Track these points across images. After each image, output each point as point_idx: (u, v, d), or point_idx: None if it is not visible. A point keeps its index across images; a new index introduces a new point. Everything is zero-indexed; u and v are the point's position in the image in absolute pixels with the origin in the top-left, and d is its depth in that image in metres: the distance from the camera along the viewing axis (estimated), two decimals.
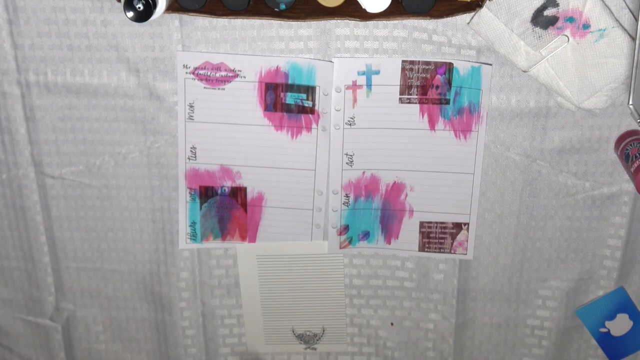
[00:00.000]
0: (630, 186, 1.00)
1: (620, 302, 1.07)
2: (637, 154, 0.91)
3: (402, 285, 1.09)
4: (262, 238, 1.06)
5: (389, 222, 1.04)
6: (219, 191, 1.03)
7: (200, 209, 1.04)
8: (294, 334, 1.13)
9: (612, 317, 1.08)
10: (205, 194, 1.03)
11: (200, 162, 1.01)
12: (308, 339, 1.14)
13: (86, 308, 1.12)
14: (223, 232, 1.06)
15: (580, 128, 0.97)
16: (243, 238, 1.06)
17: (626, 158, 0.93)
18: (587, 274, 1.06)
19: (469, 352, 1.14)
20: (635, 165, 0.91)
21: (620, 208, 1.02)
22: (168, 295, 1.11)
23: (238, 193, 1.03)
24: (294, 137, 1.00)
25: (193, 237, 1.06)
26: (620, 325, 1.09)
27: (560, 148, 0.98)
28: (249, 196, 1.03)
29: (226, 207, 1.04)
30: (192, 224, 1.05)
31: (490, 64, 0.94)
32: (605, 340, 1.10)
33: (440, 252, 1.05)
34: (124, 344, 1.15)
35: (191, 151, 1.01)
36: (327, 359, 1.16)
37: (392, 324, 1.13)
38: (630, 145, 0.93)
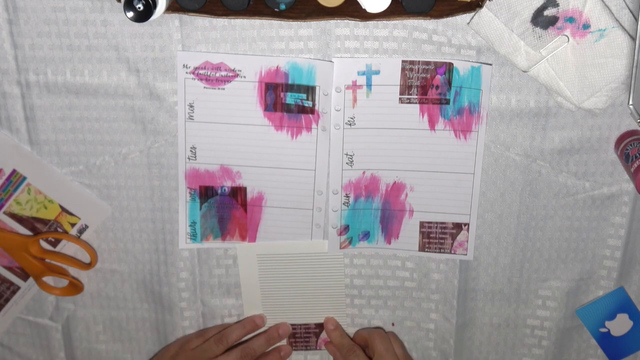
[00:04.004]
0: (630, 186, 1.00)
1: (620, 302, 1.07)
2: (637, 154, 0.91)
3: (403, 285, 1.09)
4: (262, 238, 1.06)
5: (389, 222, 1.04)
6: (219, 191, 1.03)
7: (200, 208, 1.04)
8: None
9: (612, 317, 1.08)
10: (205, 193, 1.03)
11: (200, 162, 1.01)
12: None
13: (86, 308, 1.12)
14: (223, 232, 1.06)
15: (580, 128, 0.97)
16: (243, 238, 1.06)
17: (626, 158, 0.93)
18: (587, 274, 1.06)
19: (469, 352, 1.14)
20: (635, 165, 0.91)
21: (620, 208, 1.02)
22: (168, 295, 1.11)
23: (238, 193, 1.03)
24: (294, 137, 1.00)
25: (193, 237, 1.06)
26: (620, 325, 1.09)
27: (560, 148, 0.98)
28: (249, 196, 1.03)
29: (226, 207, 1.04)
30: (192, 224, 1.05)
31: (490, 64, 0.94)
32: (605, 340, 1.10)
33: (440, 252, 1.05)
34: (124, 344, 1.15)
35: (191, 151, 1.01)
36: (327, 359, 1.16)
37: (393, 324, 1.13)
38: (630, 145, 0.93)
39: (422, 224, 1.04)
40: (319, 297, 1.10)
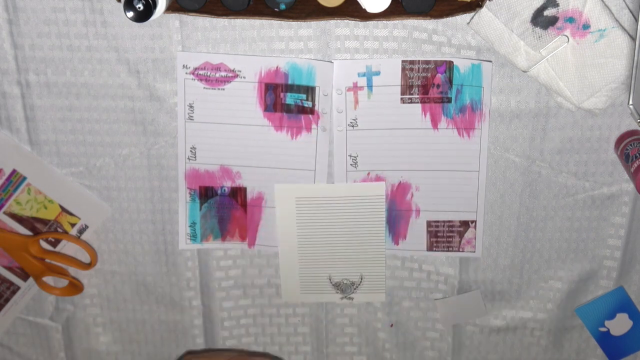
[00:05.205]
0: (630, 186, 1.00)
1: (620, 302, 1.07)
2: (637, 154, 0.92)
3: (402, 285, 1.09)
4: (262, 238, 1.06)
5: (396, 222, 1.04)
6: (219, 191, 1.03)
7: (200, 209, 1.04)
8: (331, 283, 1.11)
9: (611, 316, 1.08)
10: (205, 194, 1.03)
11: (200, 163, 1.01)
12: (345, 288, 1.11)
13: (86, 309, 1.12)
14: (223, 232, 1.06)
15: (580, 128, 0.97)
16: (243, 238, 1.06)
17: (626, 158, 0.93)
18: (587, 274, 1.07)
19: (468, 352, 1.14)
20: (635, 165, 0.91)
21: (620, 208, 1.02)
22: (169, 296, 1.11)
23: (238, 193, 1.03)
24: (294, 137, 1.00)
25: (193, 237, 1.06)
26: (620, 325, 1.09)
27: (560, 148, 0.98)
28: (249, 196, 1.03)
29: (226, 207, 1.04)
30: (192, 225, 1.05)
31: (491, 61, 0.94)
32: (605, 340, 1.10)
33: (448, 250, 1.05)
34: (124, 345, 1.15)
35: (191, 151, 1.01)
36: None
37: (392, 325, 1.12)
38: (630, 145, 0.93)
39: (429, 223, 1.04)
40: (357, 243, 1.07)
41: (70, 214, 1.05)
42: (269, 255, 1.08)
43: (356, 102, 0.97)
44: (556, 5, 0.86)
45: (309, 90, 0.97)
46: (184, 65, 0.96)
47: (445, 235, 1.04)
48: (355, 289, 1.10)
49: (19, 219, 1.05)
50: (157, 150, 1.02)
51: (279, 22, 0.93)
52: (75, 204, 1.05)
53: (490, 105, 0.96)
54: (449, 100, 0.96)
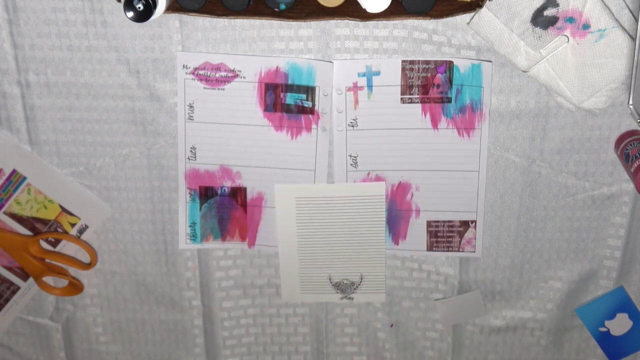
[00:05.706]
0: (630, 186, 1.00)
1: (620, 302, 1.07)
2: (637, 154, 0.92)
3: (402, 285, 1.09)
4: (262, 238, 1.06)
5: (396, 222, 1.04)
6: (219, 191, 1.03)
7: (200, 209, 1.04)
8: (331, 283, 1.12)
9: (611, 316, 1.08)
10: (205, 194, 1.03)
11: (200, 163, 1.01)
12: (345, 288, 1.12)
13: (86, 309, 1.12)
14: (223, 232, 1.06)
15: (580, 128, 0.97)
16: (243, 238, 1.06)
17: (626, 158, 0.93)
18: (587, 274, 1.07)
19: (468, 352, 1.14)
20: (635, 165, 0.91)
21: (620, 208, 1.02)
22: (169, 296, 1.11)
23: (238, 193, 1.03)
24: (294, 137, 1.00)
25: (193, 237, 1.06)
26: (620, 325, 1.09)
27: (560, 148, 0.98)
28: (249, 196, 1.03)
29: (226, 207, 1.04)
30: (192, 225, 1.05)
31: (491, 61, 0.94)
32: (605, 340, 1.10)
33: (448, 250, 1.05)
34: (124, 345, 1.15)
35: (191, 151, 1.01)
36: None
37: (392, 325, 1.12)
38: (630, 145, 0.93)
39: (429, 223, 1.04)
40: (357, 243, 1.07)
41: (70, 214, 1.05)
42: (269, 255, 1.08)
43: (356, 102, 0.97)
44: (556, 5, 0.86)
45: (309, 90, 0.97)
46: (184, 65, 0.96)
47: (445, 235, 1.04)
48: (355, 289, 1.10)
49: (19, 219, 1.05)
50: (157, 150, 1.02)
51: (279, 22, 0.93)
52: (75, 204, 1.05)
53: (490, 105, 0.96)
54: (449, 100, 0.96)
